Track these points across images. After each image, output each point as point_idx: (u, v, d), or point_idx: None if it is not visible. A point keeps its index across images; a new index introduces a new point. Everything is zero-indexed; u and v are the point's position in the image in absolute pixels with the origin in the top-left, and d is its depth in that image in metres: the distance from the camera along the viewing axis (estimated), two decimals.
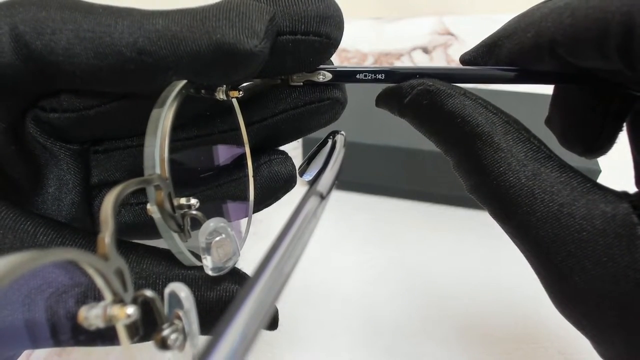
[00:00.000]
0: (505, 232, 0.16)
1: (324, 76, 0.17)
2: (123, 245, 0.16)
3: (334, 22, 0.15)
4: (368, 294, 0.31)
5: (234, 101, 0.17)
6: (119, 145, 0.18)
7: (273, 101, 0.18)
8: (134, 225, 0.18)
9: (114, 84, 0.15)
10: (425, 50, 0.55)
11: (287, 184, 0.19)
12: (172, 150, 0.14)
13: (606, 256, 0.13)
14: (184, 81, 0.15)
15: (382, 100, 0.18)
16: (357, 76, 0.17)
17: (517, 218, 0.15)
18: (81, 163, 0.18)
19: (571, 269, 0.14)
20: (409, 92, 0.17)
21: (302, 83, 0.17)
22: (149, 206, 0.13)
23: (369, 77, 0.17)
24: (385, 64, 0.53)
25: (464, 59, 0.18)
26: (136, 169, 0.19)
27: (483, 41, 0.17)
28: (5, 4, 0.15)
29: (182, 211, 0.14)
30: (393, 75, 0.17)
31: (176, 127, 0.15)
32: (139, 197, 0.18)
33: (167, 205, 0.13)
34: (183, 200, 0.14)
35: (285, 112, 0.18)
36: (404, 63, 0.53)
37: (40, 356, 0.27)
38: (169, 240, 0.13)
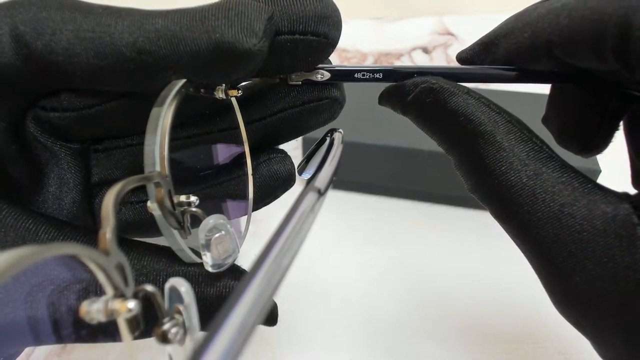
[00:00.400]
0: (506, 232, 0.16)
1: (323, 75, 0.17)
2: (124, 242, 0.16)
3: (332, 22, 0.15)
4: (368, 293, 0.31)
5: (233, 100, 0.18)
6: (119, 144, 0.19)
7: (272, 100, 0.18)
8: (134, 223, 0.19)
9: (114, 83, 0.16)
10: (425, 50, 0.55)
11: (286, 182, 0.19)
12: (171, 148, 0.14)
13: (606, 257, 0.13)
14: (183, 80, 0.15)
15: (385, 99, 0.18)
16: (356, 75, 0.17)
17: (518, 218, 0.15)
18: (82, 162, 0.18)
19: (572, 269, 0.14)
20: (412, 89, 0.17)
21: (300, 82, 0.17)
22: (149, 204, 0.13)
23: (367, 77, 0.17)
24: (385, 64, 0.53)
25: (461, 57, 0.18)
26: (136, 167, 0.19)
27: (480, 39, 0.17)
28: (5, 5, 0.15)
29: (182, 208, 0.14)
30: (391, 74, 0.17)
31: (176, 125, 0.15)
32: (139, 195, 0.19)
33: (167, 203, 0.13)
34: (183, 198, 0.14)
35: (284, 110, 0.18)
36: (404, 63, 0.54)
37: (40, 356, 0.27)
38: (169, 238, 0.14)
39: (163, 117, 0.14)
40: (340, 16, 0.16)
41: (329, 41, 0.16)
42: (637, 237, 0.13)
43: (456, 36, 0.58)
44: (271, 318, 0.17)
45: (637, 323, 0.13)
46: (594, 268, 0.14)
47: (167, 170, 0.13)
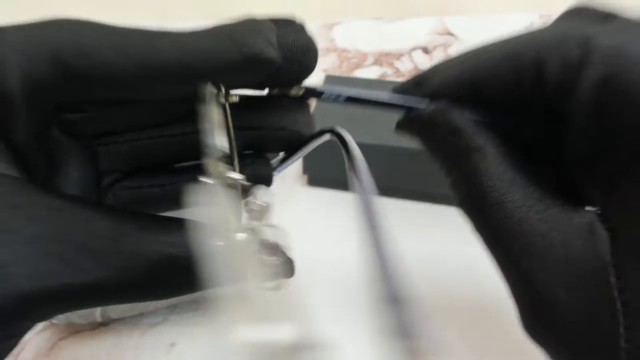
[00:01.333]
0: (484, 242, 0.19)
1: (298, 91, 0.20)
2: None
3: (313, 55, 0.18)
4: (367, 293, 0.31)
5: (227, 105, 0.19)
6: (118, 139, 0.20)
7: (249, 113, 0.20)
8: (132, 204, 0.20)
9: (151, 95, 0.18)
10: (425, 50, 0.55)
11: (265, 182, 0.21)
12: (168, 142, 0.17)
13: (565, 249, 0.15)
14: (209, 83, 0.17)
15: (401, 128, 0.22)
16: (322, 97, 0.20)
17: (490, 226, 0.18)
18: (89, 156, 0.19)
19: (534, 269, 0.16)
20: (419, 119, 0.20)
21: (278, 93, 0.20)
22: (206, 178, 0.16)
23: (332, 98, 0.20)
24: (385, 65, 0.54)
25: (397, 90, 0.21)
26: (138, 160, 0.20)
27: (415, 76, 0.21)
28: (41, 25, 0.16)
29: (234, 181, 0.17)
30: (353, 99, 0.20)
31: (174, 121, 0.19)
32: (140, 181, 0.20)
33: (225, 175, 0.16)
34: (235, 175, 0.16)
35: (249, 129, 0.20)
36: (404, 63, 0.54)
37: (27, 356, 0.28)
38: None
39: (214, 112, 0.17)
40: (317, 50, 0.19)
41: (309, 70, 0.18)
42: (595, 230, 0.15)
43: (456, 36, 0.58)
44: (290, 270, 0.19)
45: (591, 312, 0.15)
46: (555, 266, 0.16)
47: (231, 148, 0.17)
